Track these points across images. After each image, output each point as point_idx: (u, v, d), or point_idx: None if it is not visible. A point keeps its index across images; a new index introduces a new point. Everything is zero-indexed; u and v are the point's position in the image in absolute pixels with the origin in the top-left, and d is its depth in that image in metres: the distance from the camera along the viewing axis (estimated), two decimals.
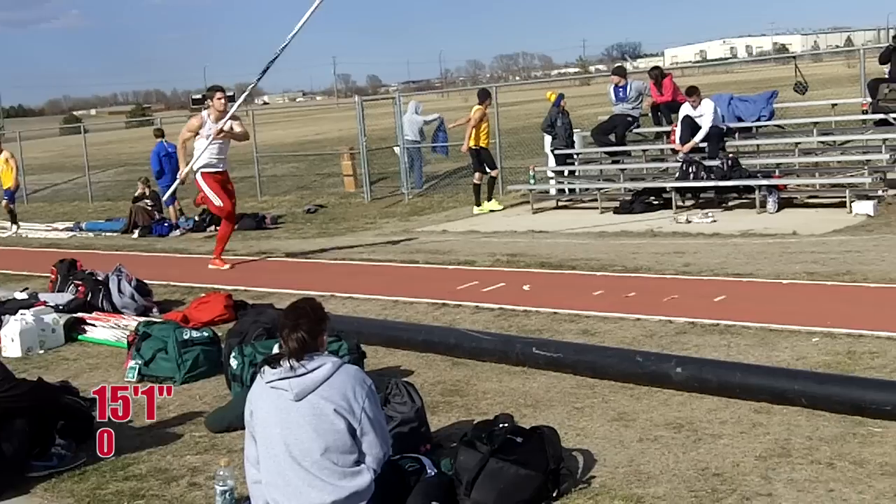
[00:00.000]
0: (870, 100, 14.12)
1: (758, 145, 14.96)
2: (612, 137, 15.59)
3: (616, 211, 13.79)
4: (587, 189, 15.41)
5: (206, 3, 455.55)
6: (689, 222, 12.21)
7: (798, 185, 13.40)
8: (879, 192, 12.40)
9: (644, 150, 15.75)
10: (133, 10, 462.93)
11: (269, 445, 3.94)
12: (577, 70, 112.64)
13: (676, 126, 14.39)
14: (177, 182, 11.83)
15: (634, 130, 15.92)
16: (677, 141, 14.18)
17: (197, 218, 16.43)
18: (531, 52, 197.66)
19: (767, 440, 4.71)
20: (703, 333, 6.76)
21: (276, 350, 5.12)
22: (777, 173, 13.42)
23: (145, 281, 9.46)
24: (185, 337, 6.84)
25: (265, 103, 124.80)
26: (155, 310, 9.04)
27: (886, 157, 12.94)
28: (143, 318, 8.11)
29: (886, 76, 14.12)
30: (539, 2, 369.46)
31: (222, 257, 11.51)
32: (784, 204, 12.72)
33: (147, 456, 5.23)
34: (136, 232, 16.28)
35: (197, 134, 10.92)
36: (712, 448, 4.68)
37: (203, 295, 8.93)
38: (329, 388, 3.93)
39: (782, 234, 10.74)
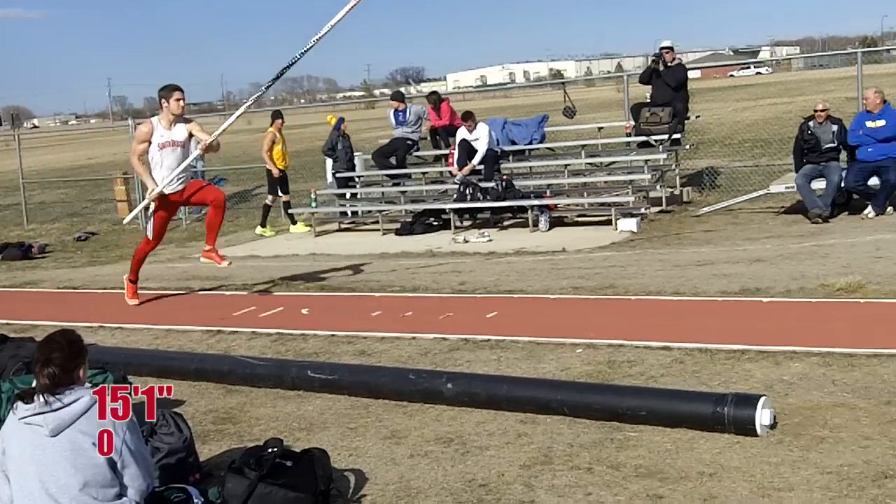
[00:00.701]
0: (633, 123, 14.96)
1: (530, 167, 15.53)
2: (393, 160, 15.81)
3: (397, 232, 13.96)
4: (369, 211, 15.54)
5: None
6: (467, 242, 12.53)
7: (568, 205, 13.99)
8: (642, 210, 13.15)
9: (424, 173, 16.05)
10: None
11: (23, 484, 3.75)
12: (361, 94, 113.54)
13: (454, 149, 14.76)
14: (141, 206, 9.96)
15: (414, 154, 16.21)
16: (455, 164, 14.53)
17: None
18: (316, 75, 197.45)
19: (531, 449, 4.88)
20: (475, 349, 6.94)
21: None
22: (548, 194, 13.97)
23: None
24: None
25: (34, 126, 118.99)
26: None
27: (648, 177, 13.73)
28: None
29: (648, 100, 15.00)
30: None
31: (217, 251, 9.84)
32: (555, 223, 13.26)
33: None
34: None
35: (149, 143, 9.10)
36: (479, 460, 4.80)
37: None
38: (87, 421, 3.80)
39: (552, 252, 11.19)
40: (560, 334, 7.04)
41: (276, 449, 4.48)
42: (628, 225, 12.39)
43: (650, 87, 14.95)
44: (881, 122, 11.82)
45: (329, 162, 16.27)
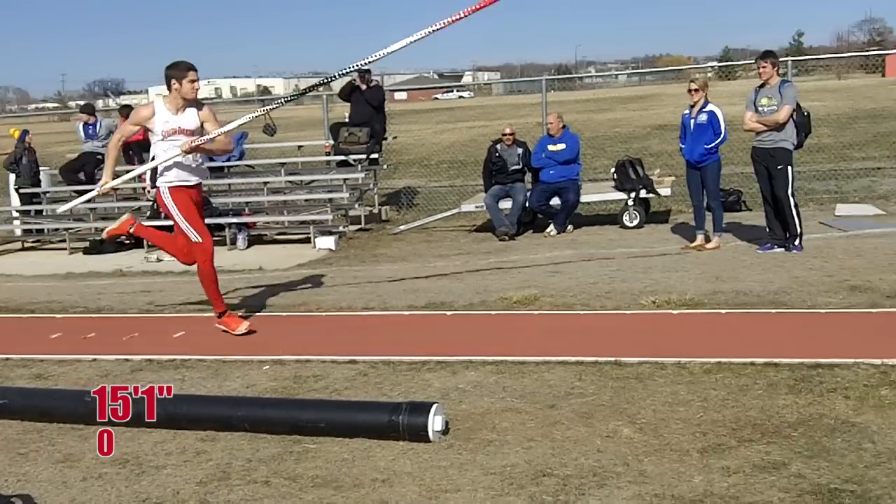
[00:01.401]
0: (332, 142, 15.18)
1: (229, 184, 15.37)
2: (82, 176, 15.13)
3: (86, 251, 13.39)
4: (56, 229, 14.76)
5: None
6: (160, 261, 12.20)
7: (267, 223, 13.98)
8: (341, 228, 13.37)
9: (115, 189, 15.42)
10: None
11: None
12: (56, 105, 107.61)
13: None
14: (92, 193, 8.55)
15: None
16: (148, 180, 14.09)
17: None
18: (5, 84, 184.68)
19: (210, 466, 4.84)
20: (160, 369, 6.79)
21: None
22: (247, 211, 13.89)
23: None
24: None
25: None
26: None
27: (347, 196, 13.98)
28: None
29: (347, 120, 15.27)
30: (9, 33, 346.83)
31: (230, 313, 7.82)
32: (254, 241, 13.22)
33: None
34: None
35: (147, 130, 7.54)
36: (155, 479, 4.71)
37: None
38: None
39: (250, 270, 11.14)
40: (248, 352, 7.03)
41: None
42: (326, 243, 12.57)
43: (350, 106, 15.22)
44: (561, 146, 12.72)
45: (12, 177, 15.36)
